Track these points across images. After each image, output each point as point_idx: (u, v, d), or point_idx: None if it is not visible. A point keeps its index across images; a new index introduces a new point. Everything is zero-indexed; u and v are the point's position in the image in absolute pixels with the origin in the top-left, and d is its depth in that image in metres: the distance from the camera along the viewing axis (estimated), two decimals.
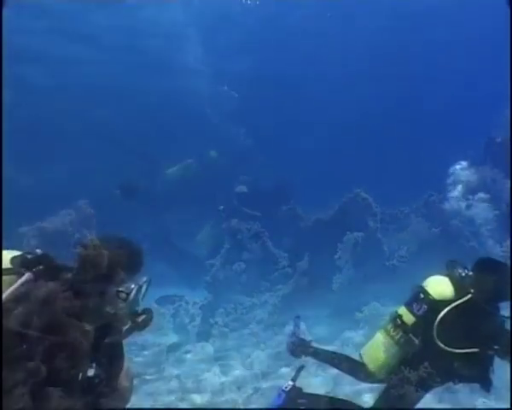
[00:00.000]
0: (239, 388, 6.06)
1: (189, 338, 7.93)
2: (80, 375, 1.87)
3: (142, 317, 1.92)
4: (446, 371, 2.98)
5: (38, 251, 1.93)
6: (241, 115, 15.83)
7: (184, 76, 17.49)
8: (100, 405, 1.87)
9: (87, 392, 1.85)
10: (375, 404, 3.18)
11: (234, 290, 9.17)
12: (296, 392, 3.29)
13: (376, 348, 3.10)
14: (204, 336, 7.93)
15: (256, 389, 5.92)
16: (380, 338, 3.13)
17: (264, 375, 6.39)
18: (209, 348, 7.45)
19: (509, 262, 3.19)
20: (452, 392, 4.83)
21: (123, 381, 2.05)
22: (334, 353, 3.71)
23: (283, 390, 3.29)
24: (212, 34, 16.46)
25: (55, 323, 1.73)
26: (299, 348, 3.68)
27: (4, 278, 1.81)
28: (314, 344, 3.78)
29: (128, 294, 1.88)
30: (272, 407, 3.30)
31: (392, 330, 3.05)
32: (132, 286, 1.90)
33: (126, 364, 2.10)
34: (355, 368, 3.34)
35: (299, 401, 3.23)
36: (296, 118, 21.04)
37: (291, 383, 3.34)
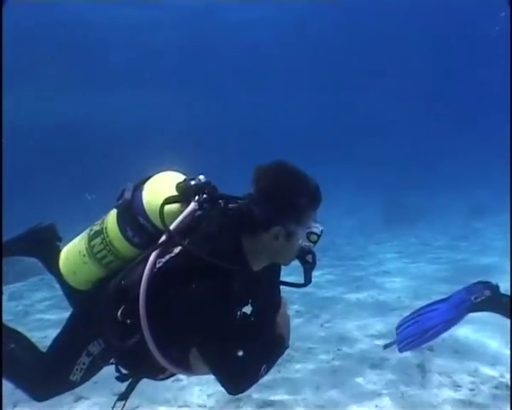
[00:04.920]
0: None
1: None
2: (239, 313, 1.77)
3: (310, 256, 1.71)
4: None
5: (202, 177, 1.72)
6: None
7: None
8: (254, 347, 1.66)
9: (240, 329, 1.69)
10: None
11: None
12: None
13: None
14: None
15: None
16: None
17: None
18: None
19: None
20: None
21: (279, 326, 1.80)
22: None
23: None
24: None
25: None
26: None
27: (168, 206, 1.67)
28: None
29: (319, 236, 1.66)
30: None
31: None
32: (321, 228, 1.66)
33: (284, 308, 1.85)
34: None
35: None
36: None
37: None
